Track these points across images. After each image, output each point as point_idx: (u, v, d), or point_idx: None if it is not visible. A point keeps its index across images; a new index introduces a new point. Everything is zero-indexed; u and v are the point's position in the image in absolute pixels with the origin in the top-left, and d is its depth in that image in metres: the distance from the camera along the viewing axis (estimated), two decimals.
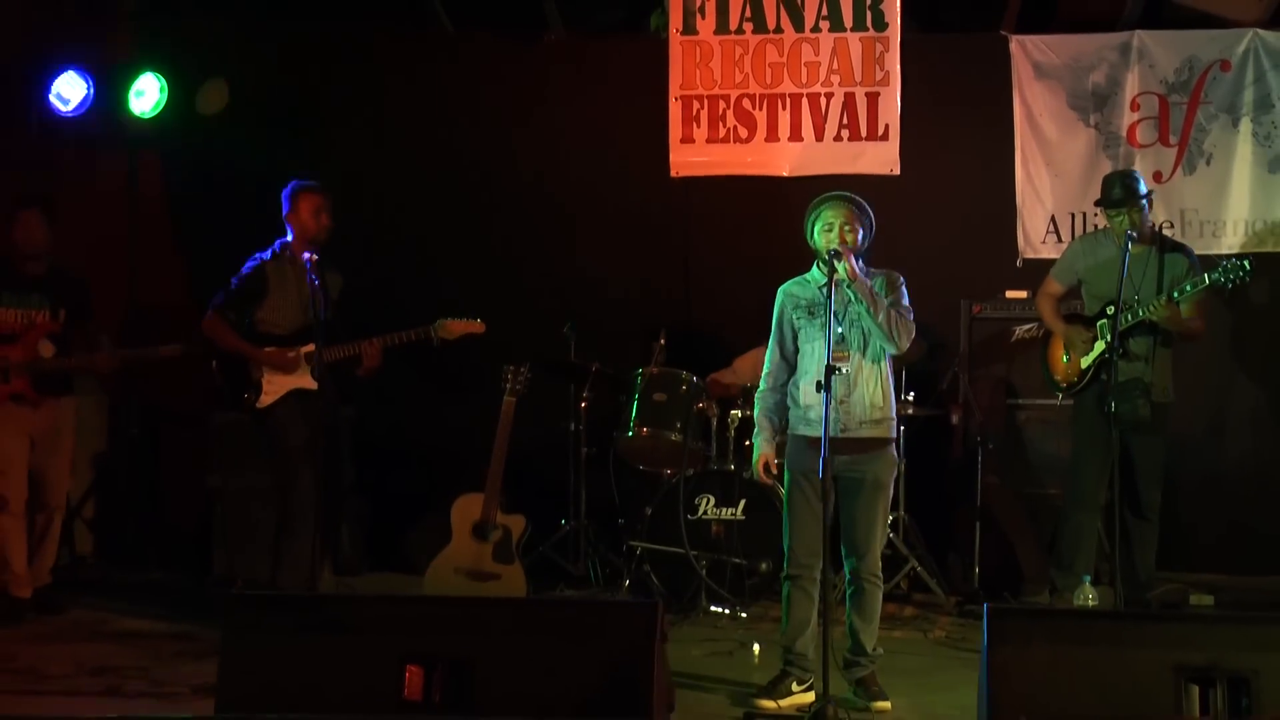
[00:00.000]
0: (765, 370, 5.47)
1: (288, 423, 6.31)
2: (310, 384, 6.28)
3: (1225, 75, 7.47)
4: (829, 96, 7.45)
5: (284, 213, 6.46)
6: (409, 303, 6.44)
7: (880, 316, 5.15)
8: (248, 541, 7.18)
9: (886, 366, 5.27)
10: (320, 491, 5.93)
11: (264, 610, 4.47)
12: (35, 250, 6.58)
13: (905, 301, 5.29)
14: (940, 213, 7.70)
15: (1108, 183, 6.44)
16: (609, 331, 7.61)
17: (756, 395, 5.52)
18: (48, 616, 6.51)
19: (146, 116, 7.45)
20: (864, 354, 5.22)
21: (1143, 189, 6.35)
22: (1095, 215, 7.32)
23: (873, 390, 5.22)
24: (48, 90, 7.21)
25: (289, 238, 6.46)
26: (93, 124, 7.37)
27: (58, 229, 6.62)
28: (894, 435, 5.33)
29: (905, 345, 5.23)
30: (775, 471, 5.42)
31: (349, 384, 6.60)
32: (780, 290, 5.43)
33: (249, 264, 6.44)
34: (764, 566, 6.63)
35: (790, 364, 5.38)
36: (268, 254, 6.45)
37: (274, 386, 6.34)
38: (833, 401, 4.97)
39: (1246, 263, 5.98)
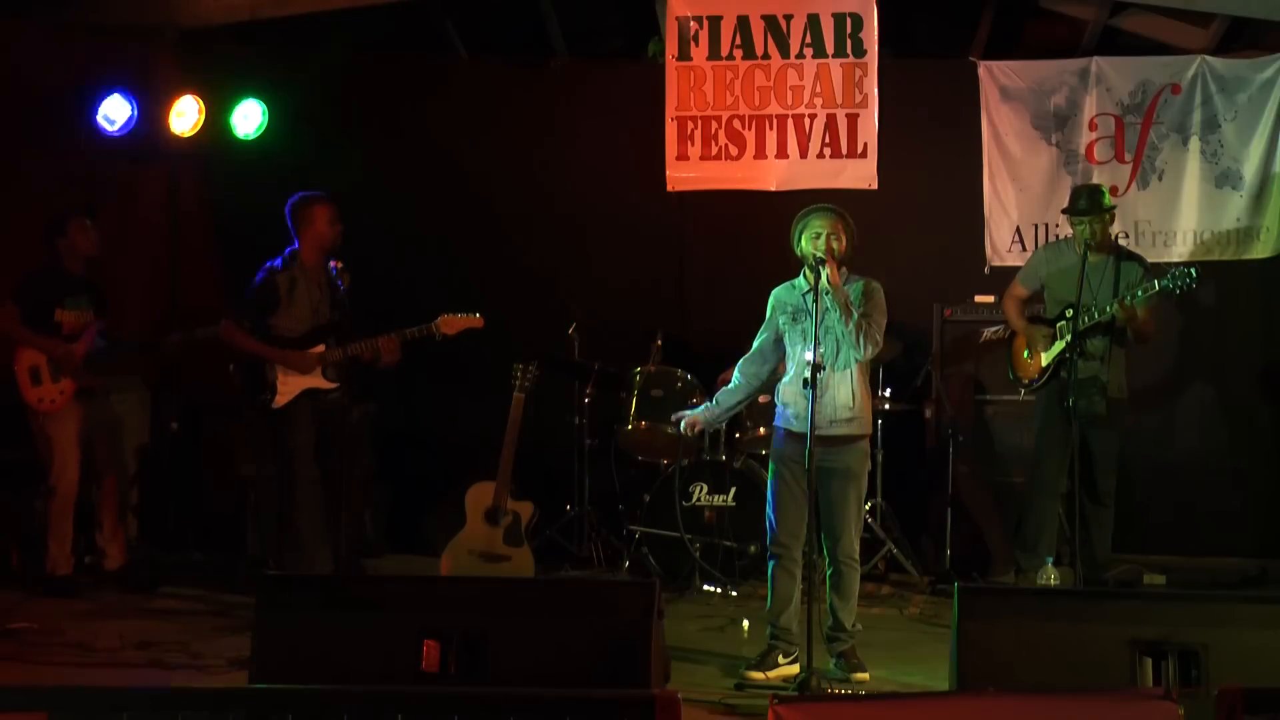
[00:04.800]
0: (750, 352, 5.46)
1: (297, 423, 6.30)
2: (323, 383, 6.30)
3: (1176, 98, 7.45)
4: (812, 117, 7.43)
5: (292, 225, 6.38)
6: (425, 308, 6.42)
7: (850, 325, 5.14)
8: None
9: (858, 371, 5.24)
10: (336, 484, 5.91)
11: (294, 589, 4.46)
12: (92, 253, 6.58)
13: (879, 311, 5.27)
14: (914, 224, 7.70)
15: (1075, 193, 6.44)
16: (610, 333, 7.59)
17: (736, 368, 5.51)
18: (136, 595, 6.51)
19: (186, 135, 7.43)
20: (835, 360, 5.20)
21: (1107, 203, 6.34)
22: (1057, 226, 7.33)
23: (844, 393, 5.20)
24: (96, 111, 7.19)
25: (297, 246, 6.39)
26: (137, 142, 7.35)
27: (105, 237, 6.61)
28: (866, 432, 5.31)
29: (869, 355, 5.23)
30: (694, 434, 5.70)
31: (370, 380, 6.56)
32: (772, 293, 5.43)
33: (260, 275, 6.38)
34: (753, 549, 6.62)
35: (768, 357, 5.39)
36: (278, 262, 6.37)
37: (288, 387, 6.30)
38: (813, 399, 4.96)
39: (1193, 270, 5.95)
